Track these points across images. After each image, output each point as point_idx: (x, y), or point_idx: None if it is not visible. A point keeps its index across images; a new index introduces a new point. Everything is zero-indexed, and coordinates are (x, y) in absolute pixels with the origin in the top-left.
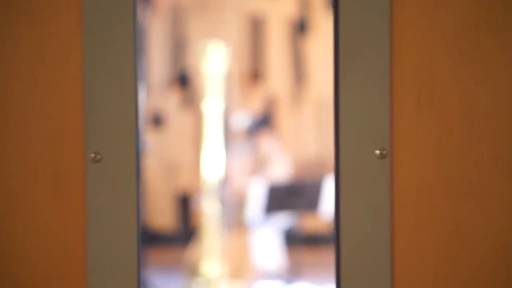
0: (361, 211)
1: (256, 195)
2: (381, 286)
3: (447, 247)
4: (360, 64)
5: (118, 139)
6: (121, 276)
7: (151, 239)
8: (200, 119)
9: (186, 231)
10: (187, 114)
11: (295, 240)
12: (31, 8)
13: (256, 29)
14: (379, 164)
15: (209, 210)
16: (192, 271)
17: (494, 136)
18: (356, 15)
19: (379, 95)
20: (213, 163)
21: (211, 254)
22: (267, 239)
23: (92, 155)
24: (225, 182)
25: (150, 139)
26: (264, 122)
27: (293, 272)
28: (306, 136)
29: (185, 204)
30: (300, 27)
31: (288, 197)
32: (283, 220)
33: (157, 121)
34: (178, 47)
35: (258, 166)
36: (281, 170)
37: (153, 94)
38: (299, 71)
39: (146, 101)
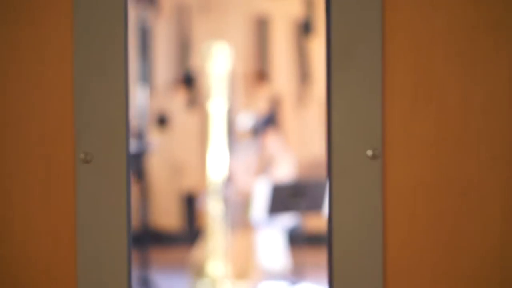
0: (354, 211)
1: (260, 195)
2: (374, 287)
3: (441, 248)
4: (353, 64)
5: (108, 139)
6: (111, 277)
7: (156, 239)
8: (205, 119)
9: (191, 231)
10: (192, 114)
11: (299, 240)
12: (21, 8)
13: (261, 29)
14: (372, 164)
15: (213, 210)
16: (197, 271)
17: (491, 136)
18: (348, 14)
19: (371, 95)
20: (218, 163)
21: (215, 254)
22: (271, 239)
23: (83, 155)
24: (229, 182)
25: (155, 139)
26: (268, 122)
27: (297, 272)
28: (311, 137)
29: (190, 204)
30: (305, 28)
31: (292, 197)
32: (287, 220)
33: (162, 121)
34: (183, 47)
35: (263, 166)
36: (285, 170)
37: (158, 94)
38: (304, 72)
39: (149, 101)
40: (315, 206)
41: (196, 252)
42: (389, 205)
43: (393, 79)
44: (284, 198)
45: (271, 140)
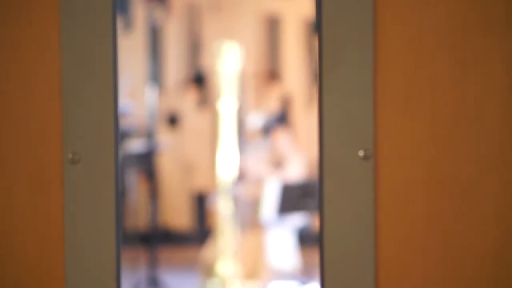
0: (346, 212)
1: (270, 195)
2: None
3: (433, 249)
4: (344, 64)
5: (97, 140)
6: (100, 278)
7: (166, 238)
8: (215, 118)
9: (201, 231)
10: (203, 114)
11: (309, 240)
12: (8, 9)
13: (271, 29)
14: (363, 165)
15: (223, 210)
16: (207, 270)
17: (483, 136)
18: (339, 15)
19: (363, 95)
20: (228, 163)
21: (225, 254)
22: (281, 238)
23: (71, 155)
24: (239, 181)
25: (166, 139)
26: (279, 121)
27: (307, 272)
28: None
29: (200, 204)
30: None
31: (302, 197)
32: (297, 220)
33: (172, 121)
34: (194, 47)
35: (273, 165)
36: (296, 170)
37: (169, 94)
38: (314, 71)
39: (160, 101)
40: None
41: (206, 252)
42: (381, 205)
43: (385, 80)
44: (294, 198)
45: (282, 140)
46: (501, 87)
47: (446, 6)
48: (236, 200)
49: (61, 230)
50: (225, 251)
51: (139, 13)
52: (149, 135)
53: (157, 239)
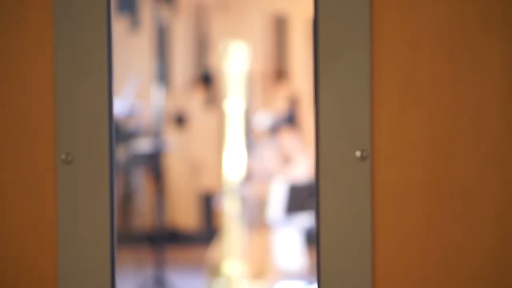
0: (342, 213)
1: (277, 195)
2: None
3: (431, 251)
4: (340, 64)
5: (90, 140)
6: (93, 279)
7: (172, 238)
8: (222, 118)
9: (208, 231)
10: (210, 114)
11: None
12: (1, 10)
13: (279, 28)
14: (360, 166)
15: (230, 210)
16: (214, 270)
17: (482, 137)
18: (336, 13)
19: (359, 95)
20: (235, 163)
21: (232, 254)
22: (288, 239)
23: (64, 156)
24: (246, 181)
25: (173, 139)
26: (286, 122)
27: (314, 272)
28: None
29: (207, 204)
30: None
31: (309, 197)
32: (304, 220)
33: (180, 120)
34: (201, 46)
35: (280, 165)
36: (303, 170)
37: (176, 93)
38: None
39: (167, 100)
40: None
41: (213, 252)
42: (378, 207)
43: (382, 79)
44: (301, 198)
45: (289, 140)
46: (500, 87)
47: (444, 5)
48: (243, 200)
49: (54, 232)
50: (232, 251)
51: (146, 12)
52: (156, 135)
53: (164, 239)
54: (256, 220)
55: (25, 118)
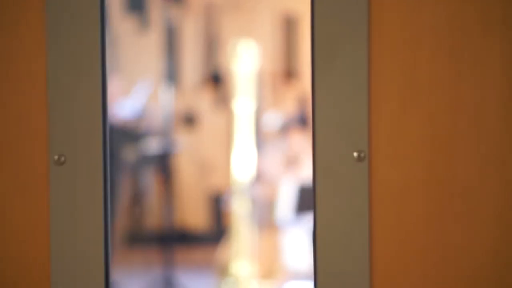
0: (339, 214)
1: (287, 195)
2: None
3: (429, 253)
4: (338, 64)
5: (83, 141)
6: (87, 281)
7: (182, 238)
8: (232, 118)
9: (217, 231)
10: (219, 114)
11: None
12: None
13: (289, 27)
14: (358, 167)
15: (239, 210)
16: (223, 270)
17: (481, 138)
18: (333, 12)
19: (357, 95)
20: (245, 163)
21: (241, 254)
22: (297, 239)
23: (56, 157)
24: (256, 182)
25: (183, 139)
26: (296, 122)
27: None
28: None
29: (216, 204)
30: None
31: None
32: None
33: (189, 120)
34: (211, 46)
35: (289, 166)
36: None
37: (186, 93)
38: None
39: (177, 100)
40: None
41: (222, 252)
42: (376, 208)
43: (380, 79)
44: (311, 198)
45: (299, 140)
46: (500, 87)
47: (444, 5)
48: (252, 200)
49: (46, 233)
50: (241, 251)
51: (156, 12)
52: (166, 135)
53: (173, 239)
54: (265, 220)
55: (17, 119)
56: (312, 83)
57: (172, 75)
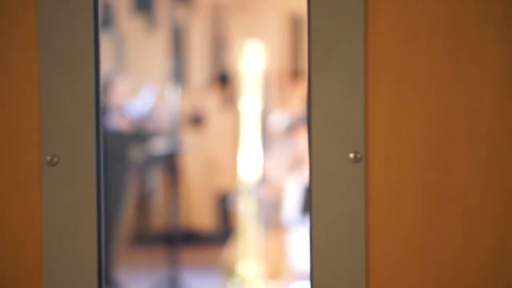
0: (335, 216)
1: (293, 195)
2: None
3: (426, 255)
4: (333, 62)
5: (76, 142)
6: (80, 283)
7: (188, 238)
8: (238, 118)
9: (223, 231)
10: (226, 114)
11: None
12: None
13: (295, 27)
14: (354, 168)
15: (246, 210)
16: (229, 271)
17: (478, 138)
18: (329, 11)
19: (353, 95)
20: (251, 163)
21: (247, 254)
22: (304, 239)
23: (49, 157)
24: (262, 182)
25: (190, 139)
26: (302, 122)
27: None
28: None
29: (223, 204)
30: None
31: None
32: None
33: (196, 121)
34: (217, 46)
35: (296, 166)
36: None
37: (193, 93)
38: None
39: (184, 100)
40: None
41: (228, 252)
42: (372, 209)
43: (376, 79)
44: None
45: (305, 140)
46: (497, 86)
47: (442, 2)
48: (258, 200)
49: (39, 234)
50: (247, 251)
51: (163, 12)
52: (173, 135)
53: (180, 239)
54: (272, 220)
55: (10, 120)
56: (308, 83)
57: (179, 75)
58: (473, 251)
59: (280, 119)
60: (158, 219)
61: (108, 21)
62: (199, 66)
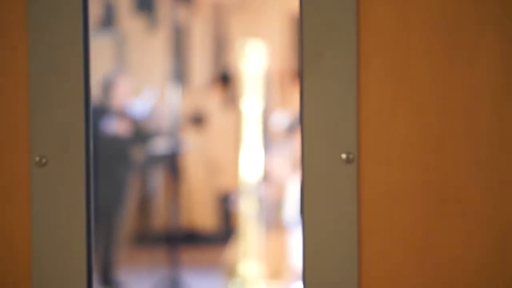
0: (327, 217)
1: (294, 195)
2: None
3: (419, 257)
4: (325, 62)
5: (65, 142)
6: (68, 285)
7: (190, 238)
8: (240, 118)
9: (225, 231)
10: (227, 114)
11: None
12: None
13: (296, 27)
14: (346, 169)
15: (247, 210)
16: (230, 271)
17: (473, 139)
18: (321, 11)
19: (345, 95)
20: (253, 163)
21: (249, 254)
22: None
23: (37, 158)
24: (263, 182)
25: (191, 139)
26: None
27: None
28: None
29: (224, 204)
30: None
31: None
32: None
33: (197, 120)
34: (219, 45)
35: (297, 165)
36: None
37: (194, 93)
38: None
39: (185, 100)
40: None
41: (230, 252)
42: (364, 211)
43: (369, 79)
44: None
45: None
46: (494, 86)
47: (433, 3)
48: (260, 201)
49: (27, 235)
50: (249, 251)
51: (164, 12)
52: (174, 135)
53: (181, 239)
54: (273, 220)
55: None
56: (300, 84)
57: (180, 75)
58: (467, 253)
59: (281, 118)
60: (159, 219)
61: (109, 21)
62: (200, 66)
